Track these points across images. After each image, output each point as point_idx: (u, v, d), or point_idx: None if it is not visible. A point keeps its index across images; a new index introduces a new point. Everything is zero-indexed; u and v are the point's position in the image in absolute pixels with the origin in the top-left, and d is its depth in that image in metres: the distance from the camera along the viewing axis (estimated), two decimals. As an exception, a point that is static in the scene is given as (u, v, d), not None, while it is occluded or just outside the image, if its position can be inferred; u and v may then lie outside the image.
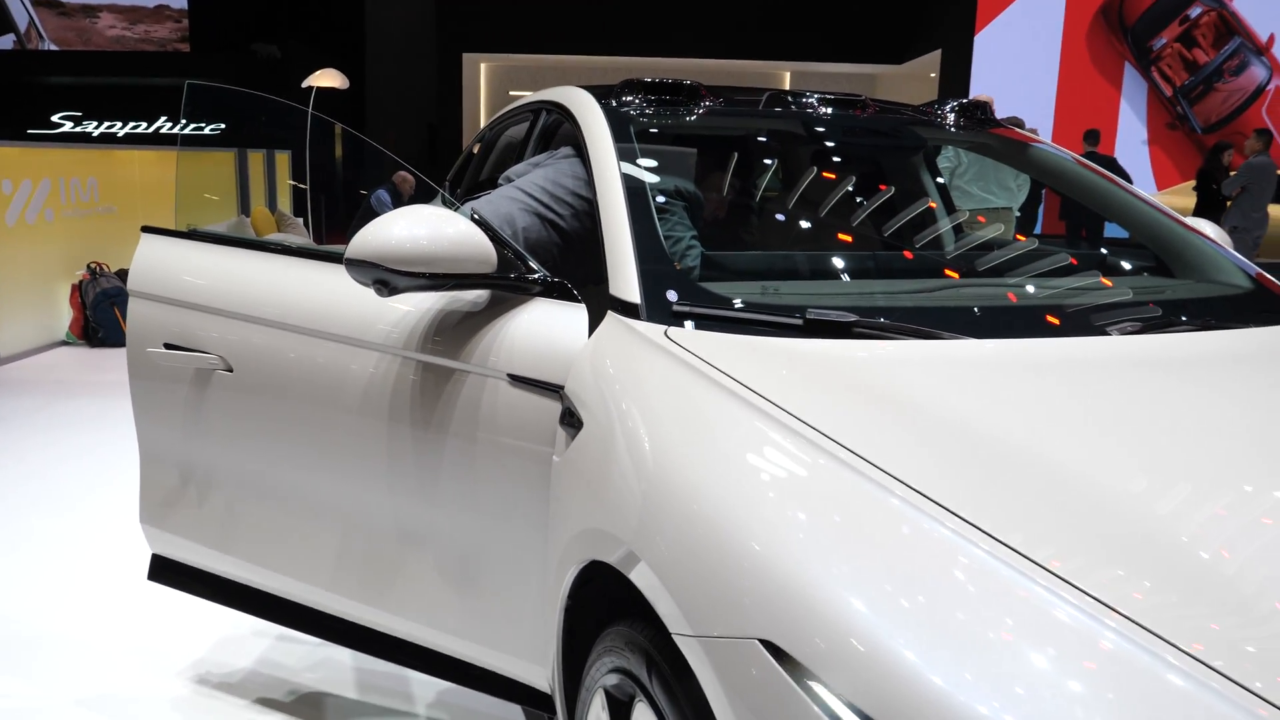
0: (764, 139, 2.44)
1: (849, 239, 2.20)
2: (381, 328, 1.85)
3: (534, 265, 1.78)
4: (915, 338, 1.53)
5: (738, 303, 1.64)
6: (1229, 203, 8.44)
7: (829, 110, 2.34)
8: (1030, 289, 1.89)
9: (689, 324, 1.56)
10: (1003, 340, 1.58)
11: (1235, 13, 13.53)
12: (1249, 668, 0.82)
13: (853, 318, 1.54)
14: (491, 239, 1.75)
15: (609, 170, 1.90)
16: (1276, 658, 0.84)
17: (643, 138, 2.09)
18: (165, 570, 2.25)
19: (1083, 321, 1.70)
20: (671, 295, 1.62)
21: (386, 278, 1.66)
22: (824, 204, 2.29)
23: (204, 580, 2.21)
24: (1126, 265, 2.47)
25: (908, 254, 2.21)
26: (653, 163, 2.05)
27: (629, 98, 2.21)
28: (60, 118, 13.90)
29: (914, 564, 0.96)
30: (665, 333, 1.52)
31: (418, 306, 1.83)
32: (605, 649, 1.34)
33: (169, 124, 14.11)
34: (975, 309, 1.74)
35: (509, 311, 1.76)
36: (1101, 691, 0.81)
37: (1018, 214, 6.82)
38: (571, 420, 1.56)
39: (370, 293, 1.73)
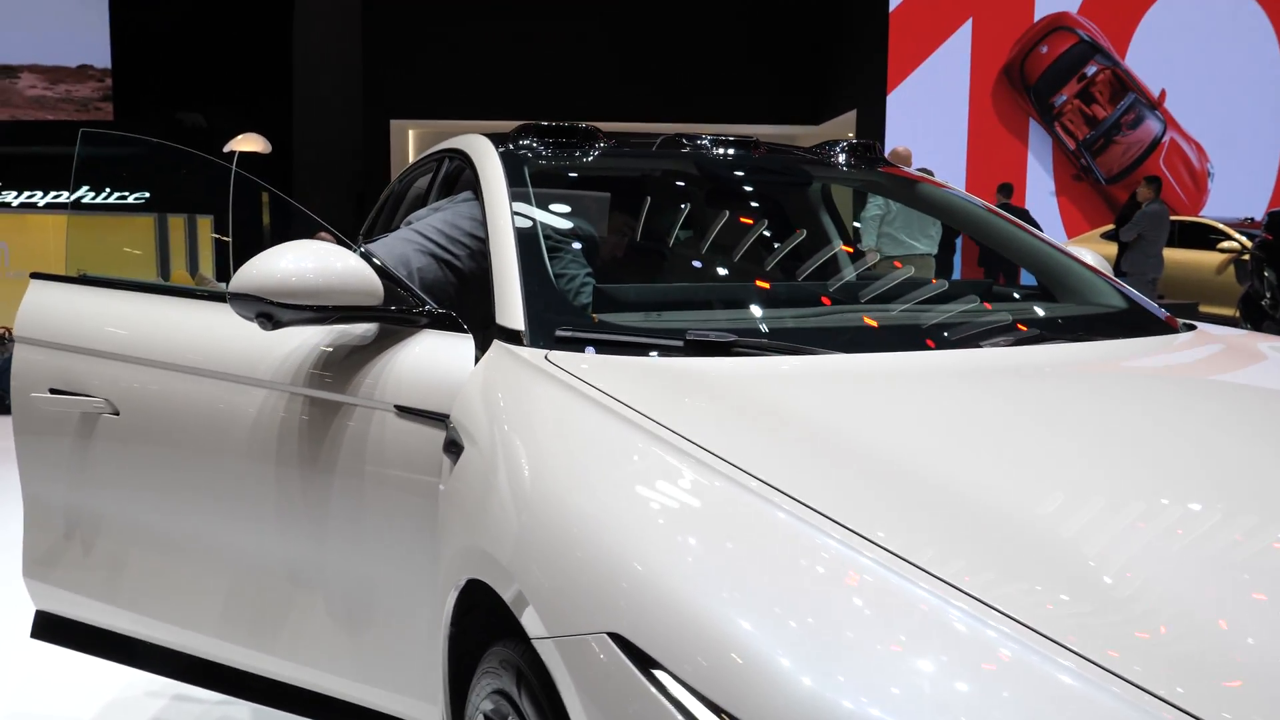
0: (657, 179, 2.51)
1: (738, 271, 2.26)
2: (269, 364, 1.84)
3: (421, 298, 1.80)
4: (789, 354, 1.58)
5: (619, 326, 1.67)
6: (1124, 247, 8.81)
7: (721, 151, 2.42)
8: (905, 311, 1.97)
9: (571, 348, 1.58)
10: (875, 354, 1.64)
11: (1128, 70, 14.30)
12: (1123, 659, 0.83)
13: (731, 338, 1.59)
14: (379, 273, 1.77)
15: (499, 208, 1.94)
16: (1153, 651, 0.85)
17: (537, 179, 2.14)
18: (50, 627, 2.17)
19: (953, 337, 1.78)
20: (555, 321, 1.65)
21: (270, 310, 1.66)
22: (715, 239, 2.35)
23: (92, 636, 2.14)
24: (1009, 292, 2.58)
25: (791, 282, 2.28)
26: (545, 202, 2.10)
27: (525, 141, 2.27)
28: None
29: (765, 554, 0.99)
30: (546, 356, 1.55)
31: (305, 342, 1.83)
32: (484, 672, 1.33)
33: (91, 193, 13.90)
34: (850, 328, 1.80)
35: (397, 344, 1.77)
36: (968, 685, 0.82)
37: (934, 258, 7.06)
38: (454, 448, 1.56)
39: (257, 329, 1.73)
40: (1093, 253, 2.58)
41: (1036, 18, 14.29)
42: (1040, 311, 2.11)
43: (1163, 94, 14.30)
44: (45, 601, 2.17)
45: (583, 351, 1.58)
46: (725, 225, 2.39)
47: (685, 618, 0.91)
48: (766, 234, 2.42)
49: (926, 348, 1.71)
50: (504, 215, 1.91)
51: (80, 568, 2.10)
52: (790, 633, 0.87)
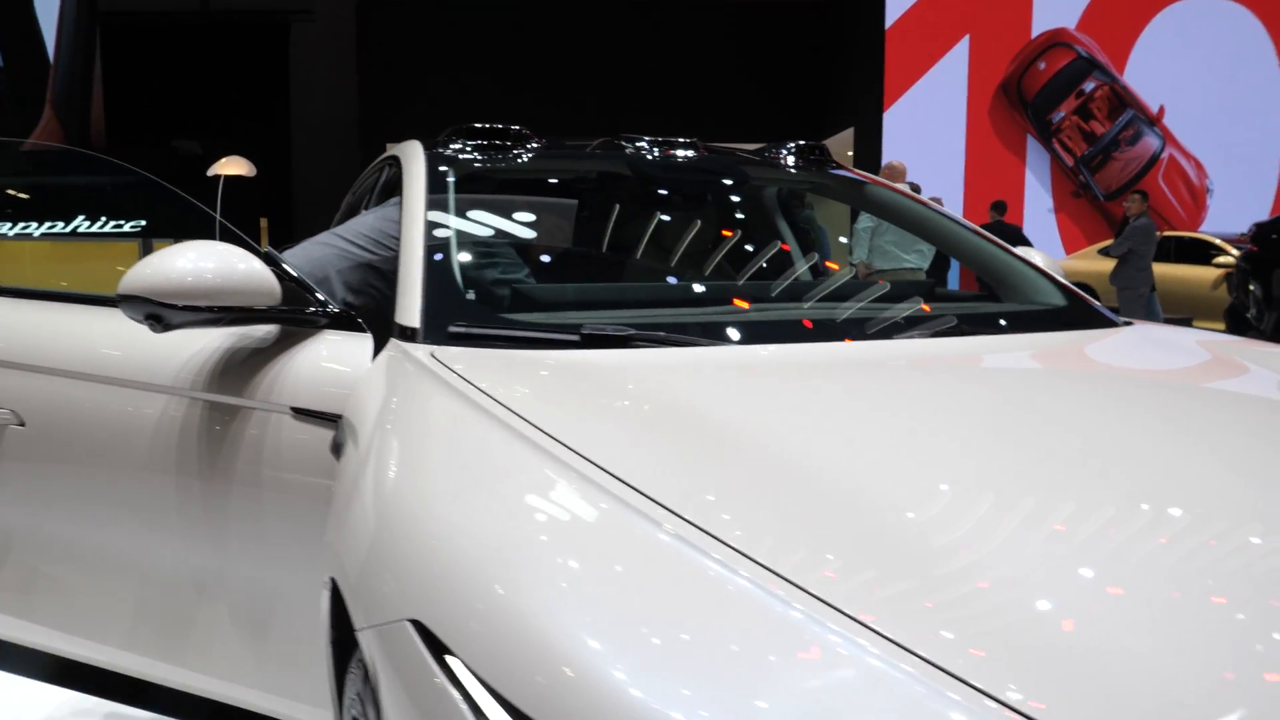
0: (592, 180, 2.47)
1: (667, 270, 2.22)
2: (171, 370, 1.80)
3: (321, 298, 1.76)
4: (683, 346, 1.54)
5: (516, 322, 1.63)
6: (1115, 262, 8.72)
7: (658, 152, 2.38)
8: (820, 306, 1.92)
9: (464, 344, 1.54)
10: (773, 345, 1.61)
11: (1126, 86, 14.30)
12: (956, 650, 0.80)
13: (629, 331, 1.55)
14: (280, 275, 1.73)
15: (413, 207, 1.91)
16: (980, 642, 0.82)
17: (466, 181, 2.11)
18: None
19: (864, 331, 1.74)
20: (451, 319, 1.61)
21: (160, 312, 1.62)
22: (648, 240, 2.31)
23: (5, 652, 2.09)
24: (953, 294, 2.53)
25: (717, 281, 2.23)
26: (467, 203, 2.07)
27: (457, 144, 2.24)
28: (-26, 217, 13.68)
29: (579, 543, 0.96)
30: (432, 353, 1.51)
31: (207, 346, 1.79)
32: (349, 675, 1.28)
33: (87, 223, 14.01)
34: (754, 321, 1.76)
35: (295, 345, 1.72)
36: (765, 669, 0.78)
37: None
38: (338, 448, 1.52)
39: (161, 336, 1.69)
40: (1042, 255, 2.53)
41: (1034, 34, 14.31)
42: (966, 308, 2.06)
43: (1161, 110, 14.28)
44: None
45: (472, 347, 1.53)
46: (658, 225, 2.34)
47: (481, 606, 0.87)
48: (700, 235, 2.37)
49: (829, 340, 1.68)
50: (416, 215, 1.88)
51: (-9, 582, 2.05)
52: (588, 624, 0.82)
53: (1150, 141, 14.39)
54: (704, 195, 2.44)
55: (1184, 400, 1.56)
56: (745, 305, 1.91)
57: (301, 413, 1.66)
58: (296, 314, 1.72)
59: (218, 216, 2.08)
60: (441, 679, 0.84)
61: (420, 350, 1.52)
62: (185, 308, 1.62)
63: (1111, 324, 2.03)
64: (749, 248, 2.42)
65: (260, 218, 13.07)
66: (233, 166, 8.46)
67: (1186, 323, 9.25)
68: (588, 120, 14.47)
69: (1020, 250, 2.48)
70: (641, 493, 0.98)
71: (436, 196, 1.96)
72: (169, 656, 1.86)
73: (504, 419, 1.18)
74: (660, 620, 0.82)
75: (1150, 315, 8.54)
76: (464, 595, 0.89)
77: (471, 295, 1.77)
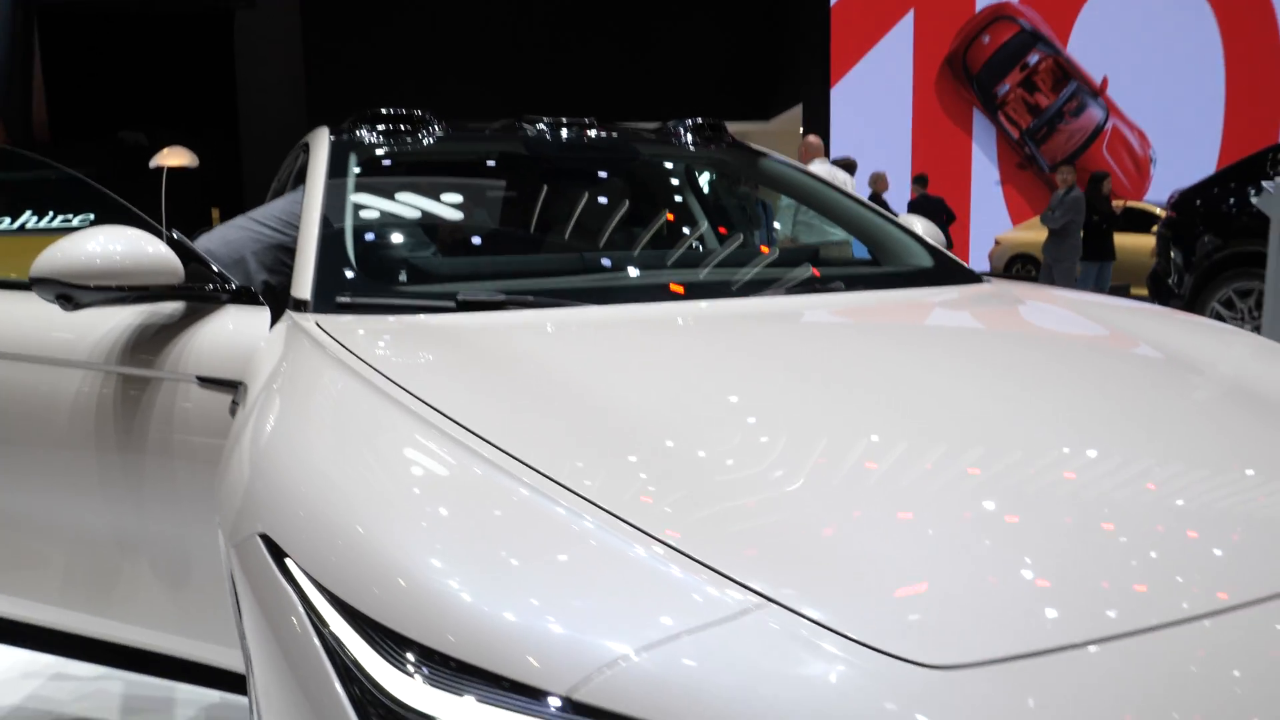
0: (491, 162, 2.61)
1: (560, 243, 2.37)
2: (86, 346, 1.93)
3: (223, 275, 1.90)
4: (550, 308, 1.70)
5: (400, 291, 1.79)
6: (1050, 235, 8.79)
7: (556, 133, 2.53)
8: (690, 269, 2.08)
9: (349, 313, 1.69)
10: (637, 305, 1.77)
11: (1070, 58, 14.57)
12: (720, 555, 0.91)
13: (500, 297, 1.71)
14: (185, 255, 1.87)
15: (314, 188, 2.04)
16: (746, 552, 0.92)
17: (368, 164, 2.25)
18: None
19: (719, 291, 1.91)
20: (339, 290, 1.75)
21: (69, 293, 1.76)
22: (540, 216, 2.47)
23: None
24: (836, 257, 2.70)
25: (606, 251, 2.39)
26: (366, 185, 2.21)
27: (362, 128, 2.38)
28: (-79, 214, 13.48)
29: (405, 467, 1.10)
30: (317, 322, 1.65)
31: (120, 323, 1.92)
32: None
33: (35, 218, 13.79)
34: (623, 286, 1.92)
35: (200, 320, 1.86)
36: (559, 563, 0.90)
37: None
38: (235, 409, 1.67)
39: (76, 315, 1.83)
40: (922, 222, 2.71)
41: (978, 8, 14.54)
42: (832, 271, 2.24)
43: (1104, 81, 14.57)
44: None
45: (358, 315, 1.68)
46: (551, 201, 2.50)
47: (315, 518, 1.02)
48: (592, 209, 2.53)
49: (684, 300, 1.83)
50: (315, 196, 2.01)
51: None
52: (419, 540, 0.95)
53: (1094, 113, 14.68)
54: (595, 172, 2.59)
55: (993, 345, 1.74)
56: (623, 272, 2.07)
57: (206, 381, 1.80)
58: (199, 291, 1.86)
59: (122, 202, 2.20)
60: (282, 580, 0.99)
61: (309, 320, 1.67)
62: (94, 288, 1.76)
63: (973, 282, 2.21)
64: (641, 220, 2.58)
65: (211, 207, 13.04)
66: (174, 158, 8.47)
67: (1124, 290, 9.50)
68: (533, 101, 14.53)
69: (903, 218, 2.66)
70: (467, 429, 1.12)
71: (336, 180, 2.09)
72: (98, 611, 2.01)
73: (368, 377, 1.32)
74: (478, 536, 0.95)
75: (1099, 285, 8.68)
76: (301, 512, 1.04)
77: (362, 269, 1.91)
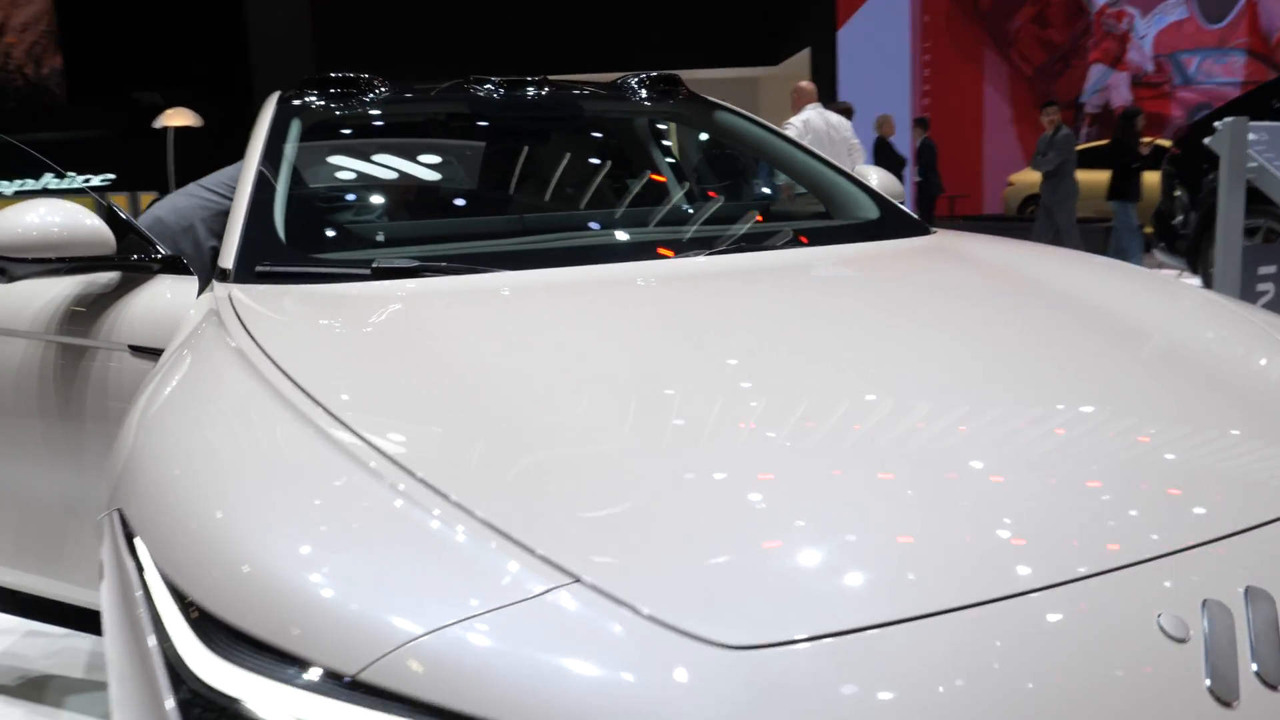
0: (433, 123, 2.63)
1: (501, 206, 2.39)
2: (28, 316, 1.99)
3: (157, 247, 1.94)
4: (462, 274, 1.73)
5: (318, 260, 1.82)
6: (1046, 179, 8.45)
7: (503, 93, 2.54)
8: (620, 232, 2.10)
9: (267, 282, 1.73)
10: (555, 269, 1.79)
11: (1084, -9, 14.18)
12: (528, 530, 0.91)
13: (414, 264, 1.74)
14: (118, 226, 1.91)
15: (251, 157, 2.08)
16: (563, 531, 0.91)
17: (309, 131, 2.27)
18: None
19: (642, 252, 1.93)
20: (259, 260, 1.78)
21: (3, 265, 1.82)
22: (481, 177, 2.49)
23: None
24: (787, 211, 2.70)
25: (552, 212, 2.39)
26: (306, 150, 2.23)
27: (309, 93, 2.40)
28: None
29: (256, 452, 1.11)
30: (231, 291, 1.69)
31: (60, 293, 1.98)
32: None
33: (54, 178, 13.96)
34: (544, 250, 1.94)
35: (133, 290, 1.92)
36: (380, 536, 0.91)
37: None
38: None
39: (19, 285, 1.90)
40: (879, 172, 2.69)
41: (990, -57, 14.16)
42: (768, 227, 2.25)
43: (1120, 13, 14.18)
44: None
45: (276, 284, 1.72)
46: (496, 163, 2.52)
47: (157, 497, 1.07)
48: (537, 171, 2.54)
49: (603, 261, 1.85)
50: (251, 164, 2.05)
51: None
52: (239, 512, 0.99)
53: (1109, 47, 14.31)
54: (539, 131, 2.60)
55: (904, 301, 1.74)
56: (551, 234, 2.08)
57: (137, 350, 1.86)
58: (131, 262, 1.91)
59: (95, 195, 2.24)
60: (127, 555, 1.03)
61: (226, 289, 1.71)
62: (29, 260, 1.81)
63: (919, 234, 2.20)
64: (584, 181, 2.59)
65: (221, 167, 13.07)
66: (179, 118, 8.52)
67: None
68: (546, 51, 14.40)
69: (860, 169, 2.65)
70: (325, 408, 1.12)
71: (273, 146, 2.12)
72: (49, 573, 2.09)
73: (246, 351, 1.33)
74: (303, 518, 0.96)
75: (1127, 225, 8.45)
76: (150, 490, 1.08)
77: (290, 237, 1.94)
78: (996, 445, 1.12)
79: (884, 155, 10.35)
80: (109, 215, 1.98)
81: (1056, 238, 8.15)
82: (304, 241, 2.00)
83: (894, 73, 13.79)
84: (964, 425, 1.17)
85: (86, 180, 13.04)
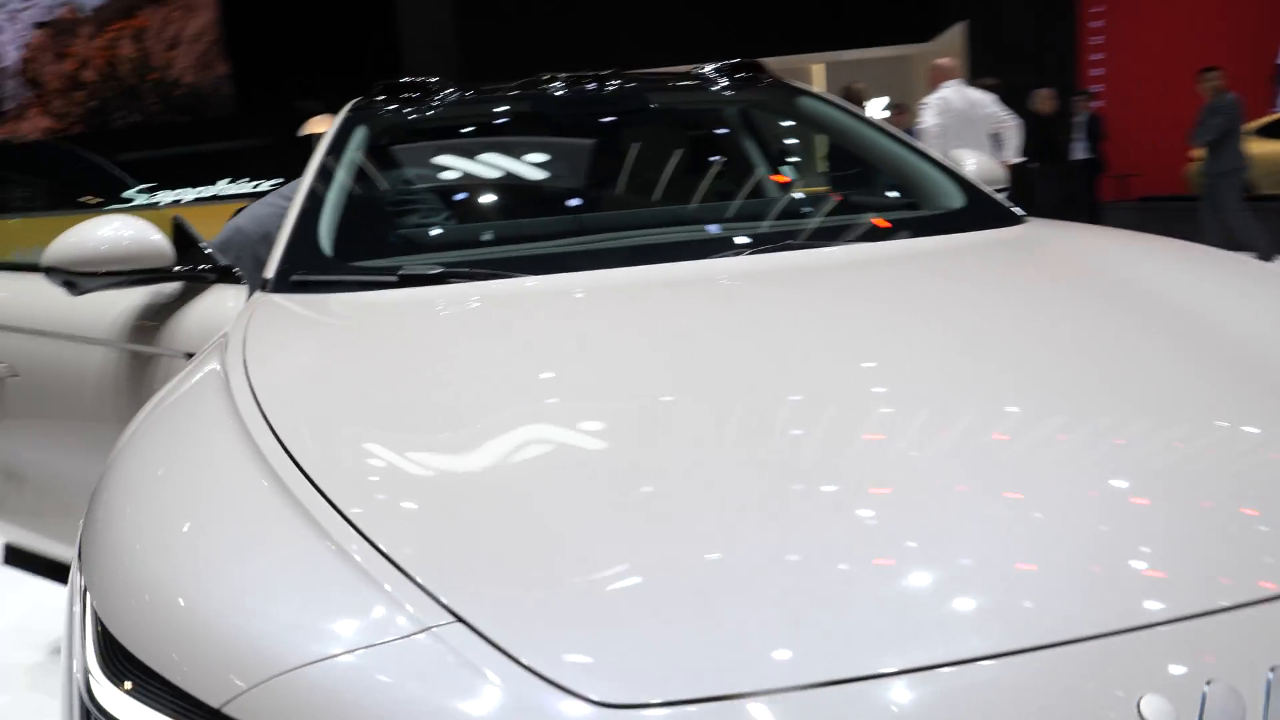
0: (497, 125, 2.60)
1: (561, 207, 2.34)
2: (104, 325, 2.11)
3: (214, 257, 2.01)
4: (489, 279, 1.69)
5: (348, 268, 1.83)
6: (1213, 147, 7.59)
7: (569, 91, 2.50)
8: (672, 232, 1.99)
9: (299, 292, 1.75)
10: (582, 274, 1.70)
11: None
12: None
13: (437, 270, 1.72)
14: (183, 239, 2.01)
15: (311, 165, 2.12)
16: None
17: (379, 136, 2.31)
18: (14, 555, 2.57)
19: (683, 253, 1.81)
20: (297, 268, 1.81)
21: (73, 279, 1.93)
22: (544, 179, 2.45)
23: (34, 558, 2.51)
24: (867, 202, 2.53)
25: (602, 215, 2.31)
26: (368, 157, 2.26)
27: (379, 99, 2.44)
28: (136, 191, 14.92)
29: (196, 482, 1.08)
30: (259, 302, 1.70)
31: (131, 304, 2.08)
32: None
33: (229, 184, 14.96)
34: (586, 252, 1.85)
35: (192, 300, 2.00)
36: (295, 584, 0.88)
37: None
38: None
39: (97, 296, 2.02)
40: (977, 156, 2.49)
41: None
42: (832, 220, 2.10)
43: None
44: (6, 535, 2.57)
45: (307, 294, 1.73)
46: (556, 164, 2.48)
47: (93, 517, 1.08)
48: (602, 170, 2.48)
49: (645, 262, 1.72)
50: (308, 173, 2.10)
51: (18, 505, 2.47)
52: (156, 540, 0.98)
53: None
54: (604, 129, 2.53)
55: (940, 304, 1.51)
56: (596, 235, 1.99)
57: (191, 358, 1.93)
58: (188, 273, 1.98)
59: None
60: (85, 603, 1.00)
61: (261, 298, 1.74)
62: (92, 274, 1.92)
63: (1009, 224, 1.98)
64: (651, 178, 2.51)
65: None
66: (322, 124, 8.94)
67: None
68: (688, 41, 14.32)
69: (956, 153, 2.46)
70: (277, 435, 1.08)
71: (334, 154, 2.16)
72: None
73: (228, 365, 1.32)
74: (213, 546, 0.94)
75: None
76: (95, 511, 1.09)
77: (337, 245, 1.94)
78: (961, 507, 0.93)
79: (1093, 131, 9.83)
80: (177, 230, 2.08)
81: (1219, 217, 7.41)
82: (353, 250, 2.01)
83: (1068, 43, 12.90)
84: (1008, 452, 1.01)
85: (256, 184, 13.98)
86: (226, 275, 1.99)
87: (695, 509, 0.94)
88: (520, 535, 0.92)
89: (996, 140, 6.71)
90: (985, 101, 6.68)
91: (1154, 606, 0.80)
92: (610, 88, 2.52)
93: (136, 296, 2.08)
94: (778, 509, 0.93)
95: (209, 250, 2.03)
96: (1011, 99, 7.19)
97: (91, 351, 2.15)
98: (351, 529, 0.92)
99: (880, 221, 2.05)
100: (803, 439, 1.07)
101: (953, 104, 6.49)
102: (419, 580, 0.85)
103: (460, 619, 0.81)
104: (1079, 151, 10.08)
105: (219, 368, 1.35)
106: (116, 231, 1.93)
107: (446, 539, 0.92)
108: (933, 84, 6.69)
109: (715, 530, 0.91)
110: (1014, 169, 7.44)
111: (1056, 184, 9.66)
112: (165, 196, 14.65)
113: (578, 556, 0.89)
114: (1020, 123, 6.72)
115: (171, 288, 2.04)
